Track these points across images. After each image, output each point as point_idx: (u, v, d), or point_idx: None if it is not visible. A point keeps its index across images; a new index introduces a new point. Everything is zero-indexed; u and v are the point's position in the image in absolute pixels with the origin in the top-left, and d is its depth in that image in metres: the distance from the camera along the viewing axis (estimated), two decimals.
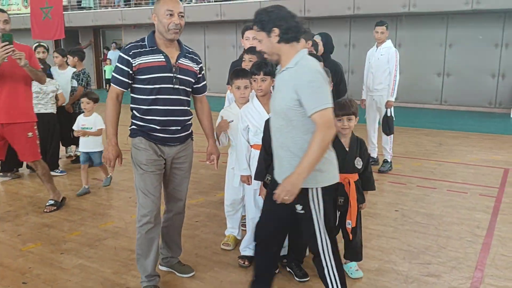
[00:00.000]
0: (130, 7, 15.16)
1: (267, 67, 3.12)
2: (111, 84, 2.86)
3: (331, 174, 2.43)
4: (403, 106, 11.46)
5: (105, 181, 5.35)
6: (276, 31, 2.30)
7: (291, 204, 2.42)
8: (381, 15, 11.14)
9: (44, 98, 5.62)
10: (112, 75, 2.86)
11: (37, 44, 6.89)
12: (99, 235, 3.90)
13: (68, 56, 6.09)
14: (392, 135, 5.85)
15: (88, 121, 5.07)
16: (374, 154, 6.03)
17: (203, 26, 14.33)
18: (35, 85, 5.61)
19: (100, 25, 16.26)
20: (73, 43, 17.53)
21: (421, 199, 4.79)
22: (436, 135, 8.23)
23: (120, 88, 2.84)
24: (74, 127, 5.11)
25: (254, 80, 3.13)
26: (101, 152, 5.03)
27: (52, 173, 5.70)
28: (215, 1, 13.28)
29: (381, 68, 5.75)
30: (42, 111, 5.60)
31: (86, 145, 5.05)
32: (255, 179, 3.15)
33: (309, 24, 12.42)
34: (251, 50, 3.68)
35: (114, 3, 15.86)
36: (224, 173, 5.58)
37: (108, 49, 17.23)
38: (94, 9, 16.13)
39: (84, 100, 5.14)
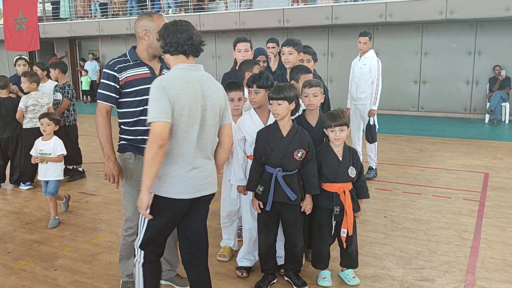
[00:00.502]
0: (107, 18, 15.04)
1: (260, 80, 3.17)
2: (99, 101, 2.88)
3: (170, 189, 2.41)
4: (381, 113, 11.63)
5: (64, 205, 4.79)
6: (161, 43, 2.49)
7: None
8: (358, 25, 11.37)
9: (40, 111, 5.51)
10: (99, 92, 2.89)
11: (18, 57, 6.81)
12: (92, 250, 3.86)
13: (50, 69, 6.01)
14: (376, 143, 5.97)
15: (47, 146, 4.48)
16: None
17: None
18: (32, 98, 5.54)
19: (77, 36, 16.07)
20: (48, 54, 17.25)
21: (408, 204, 4.91)
22: (416, 142, 8.42)
23: (108, 104, 2.89)
24: (32, 152, 4.54)
25: (249, 92, 3.19)
26: (59, 181, 4.53)
27: None
28: (193, 12, 13.31)
29: (364, 77, 5.88)
30: (38, 125, 5.53)
31: (45, 173, 4.46)
32: (246, 189, 3.21)
33: (288, 34, 12.59)
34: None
35: (91, 14, 15.69)
36: None
37: (85, 60, 17.01)
38: (71, 20, 15.92)
39: (44, 121, 4.53)
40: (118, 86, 2.85)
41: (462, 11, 9.94)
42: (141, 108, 2.85)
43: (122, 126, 2.94)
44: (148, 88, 2.80)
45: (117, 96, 2.87)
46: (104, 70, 2.89)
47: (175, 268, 3.29)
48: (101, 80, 2.89)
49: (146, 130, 2.85)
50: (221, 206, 3.68)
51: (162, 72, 2.97)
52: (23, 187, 5.71)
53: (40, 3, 16.23)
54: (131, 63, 2.88)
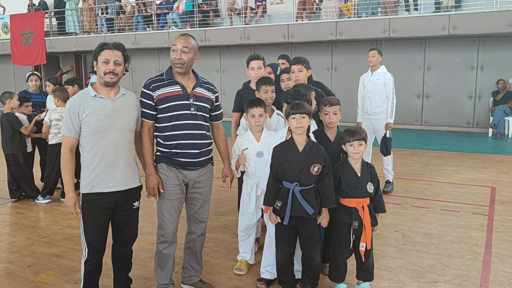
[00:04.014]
0: (113, 32, 15.24)
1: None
2: (141, 119, 3.09)
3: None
4: None
5: None
6: None
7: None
8: (362, 40, 11.57)
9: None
10: (142, 111, 3.09)
11: (30, 72, 6.91)
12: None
13: (67, 86, 6.09)
14: (391, 156, 6.06)
15: None
16: None
17: None
18: (57, 113, 5.62)
19: (83, 50, 16.24)
20: (54, 68, 17.45)
21: (418, 218, 4.98)
22: (421, 156, 8.51)
23: (148, 121, 3.09)
24: None
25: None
26: None
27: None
28: (199, 27, 13.50)
29: (378, 92, 6.00)
30: None
31: None
32: (263, 204, 3.29)
33: (293, 49, 12.77)
34: (271, 81, 3.86)
35: (97, 29, 15.90)
36: (224, 198, 5.71)
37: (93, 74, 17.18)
38: (76, 35, 16.13)
39: None
40: (153, 104, 3.05)
41: (464, 27, 10.12)
42: (173, 123, 3.05)
43: (157, 139, 3.14)
44: (179, 104, 3.05)
45: (154, 113, 3.08)
46: (142, 89, 3.09)
47: (199, 274, 3.44)
48: (140, 98, 3.09)
49: (178, 144, 3.06)
50: (239, 219, 3.75)
51: (195, 89, 3.12)
52: (42, 200, 5.77)
53: (47, 18, 16.49)
54: (165, 81, 3.08)
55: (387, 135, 5.93)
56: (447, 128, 11.57)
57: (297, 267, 3.43)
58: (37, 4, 17.81)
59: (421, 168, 7.49)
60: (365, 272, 3.29)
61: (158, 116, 3.08)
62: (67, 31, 16.29)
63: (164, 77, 3.11)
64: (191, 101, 3.07)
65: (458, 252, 4.07)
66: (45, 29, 16.26)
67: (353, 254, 3.31)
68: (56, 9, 16.83)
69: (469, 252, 4.07)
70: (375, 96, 5.99)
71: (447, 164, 7.71)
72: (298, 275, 3.43)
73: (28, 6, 17.98)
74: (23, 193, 5.92)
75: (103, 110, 2.89)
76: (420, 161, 7.99)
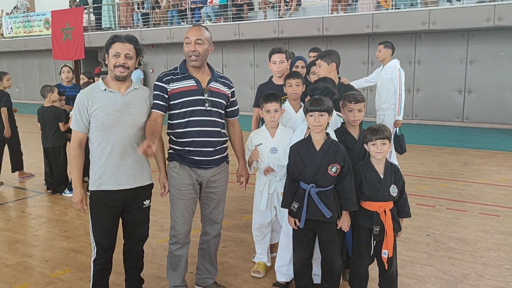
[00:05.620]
0: (149, 27, 15.36)
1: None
2: (152, 110, 2.96)
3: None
4: (423, 123, 11.33)
5: None
6: None
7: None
8: (400, 33, 11.11)
9: None
10: (153, 102, 2.98)
11: (63, 65, 7.02)
12: None
13: (96, 78, 6.11)
14: (393, 153, 5.80)
15: None
16: None
17: (221, 45, 14.43)
18: None
19: None
20: (92, 63, 17.83)
21: (452, 222, 4.66)
22: (460, 154, 8.06)
23: (158, 111, 2.95)
24: None
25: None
26: None
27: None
28: (232, 21, 13.38)
29: (386, 87, 5.80)
30: None
31: None
32: (281, 207, 3.13)
33: (328, 42, 12.44)
34: (296, 74, 3.60)
35: (133, 23, 16.09)
36: (248, 195, 5.57)
37: None
38: (113, 30, 16.39)
39: None
40: (166, 96, 2.94)
41: (511, 17, 9.51)
42: (187, 119, 2.92)
43: (170, 136, 3.03)
44: (193, 100, 2.92)
45: (167, 105, 2.95)
46: (155, 82, 2.98)
47: (213, 276, 3.33)
48: (153, 92, 2.98)
49: (192, 141, 2.94)
50: (252, 218, 3.61)
51: (211, 84, 2.98)
52: (69, 194, 5.81)
53: (86, 13, 16.83)
54: (179, 76, 2.96)
55: (398, 133, 5.67)
56: (490, 125, 10.94)
57: (316, 271, 3.25)
58: (78, 0, 18.21)
59: (459, 167, 7.08)
60: (387, 280, 3.05)
61: (171, 112, 2.96)
62: (103, 26, 16.58)
63: (178, 71, 2.99)
64: (205, 96, 2.94)
65: (495, 261, 3.75)
66: (84, 25, 16.59)
67: (376, 260, 3.09)
68: (94, 5, 17.15)
69: (508, 261, 3.75)
70: (382, 91, 5.83)
71: (488, 164, 7.26)
72: (317, 280, 3.25)
73: (70, 2, 18.41)
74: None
75: (112, 104, 2.80)
76: (459, 160, 7.57)
